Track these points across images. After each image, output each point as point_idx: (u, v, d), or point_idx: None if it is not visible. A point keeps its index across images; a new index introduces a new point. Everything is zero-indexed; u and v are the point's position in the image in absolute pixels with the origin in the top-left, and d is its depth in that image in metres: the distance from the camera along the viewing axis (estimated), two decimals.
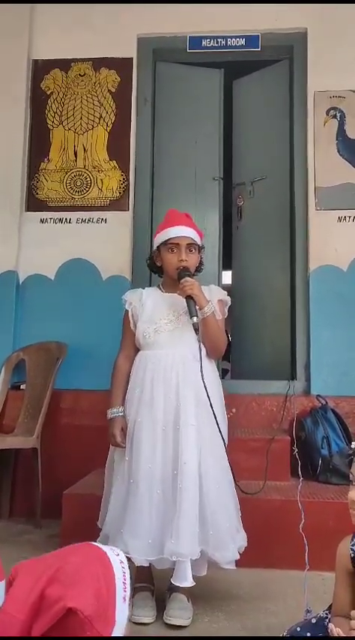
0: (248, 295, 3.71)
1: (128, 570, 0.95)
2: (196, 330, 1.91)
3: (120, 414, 2.00)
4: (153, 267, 2.15)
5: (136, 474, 1.88)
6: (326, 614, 1.43)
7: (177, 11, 3.44)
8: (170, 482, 1.86)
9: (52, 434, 3.01)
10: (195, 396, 1.91)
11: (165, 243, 2.04)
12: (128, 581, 0.93)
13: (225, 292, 2.14)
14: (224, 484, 1.94)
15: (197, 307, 1.94)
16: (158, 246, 2.08)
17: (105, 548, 0.96)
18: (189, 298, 1.94)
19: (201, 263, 2.14)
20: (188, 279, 1.96)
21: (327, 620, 1.41)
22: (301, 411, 3.02)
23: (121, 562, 0.94)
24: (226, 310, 2.13)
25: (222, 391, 2.09)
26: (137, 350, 2.07)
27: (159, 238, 2.08)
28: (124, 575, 0.92)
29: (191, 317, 1.92)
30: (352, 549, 1.38)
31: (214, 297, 2.06)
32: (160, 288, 2.13)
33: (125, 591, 0.91)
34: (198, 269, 2.13)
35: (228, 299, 2.13)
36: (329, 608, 1.44)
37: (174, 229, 2.04)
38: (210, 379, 1.96)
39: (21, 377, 3.21)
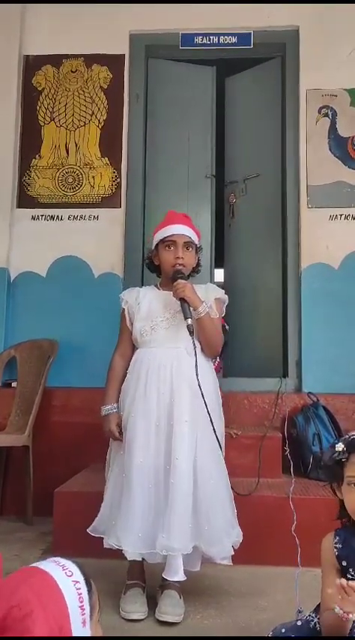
0: (240, 293, 3.71)
1: (85, 589, 0.88)
2: (190, 332, 1.92)
3: (114, 410, 2.02)
4: (151, 266, 2.15)
5: (129, 468, 1.89)
6: (313, 617, 1.44)
7: (170, 8, 3.42)
8: (162, 477, 1.87)
9: (43, 431, 3.00)
10: (189, 392, 1.91)
11: (162, 240, 2.05)
12: (86, 601, 0.87)
13: (223, 291, 2.13)
14: (219, 480, 1.95)
15: (191, 309, 1.95)
16: (156, 245, 2.09)
17: (55, 570, 0.89)
18: (183, 300, 1.95)
19: (198, 264, 2.14)
20: (180, 281, 1.97)
21: (313, 622, 1.42)
22: (292, 408, 3.03)
23: (75, 582, 0.87)
24: (224, 308, 2.13)
25: (219, 388, 2.10)
26: (133, 348, 2.08)
27: (157, 237, 2.08)
28: (80, 597, 0.86)
29: (185, 319, 1.93)
30: (336, 547, 1.39)
31: (211, 296, 2.06)
32: (157, 287, 2.13)
33: (83, 615, 0.85)
34: (196, 270, 2.13)
35: (226, 297, 2.13)
36: (315, 610, 1.45)
37: (171, 227, 2.04)
38: (206, 376, 1.97)
39: (12, 375, 3.20)
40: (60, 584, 0.86)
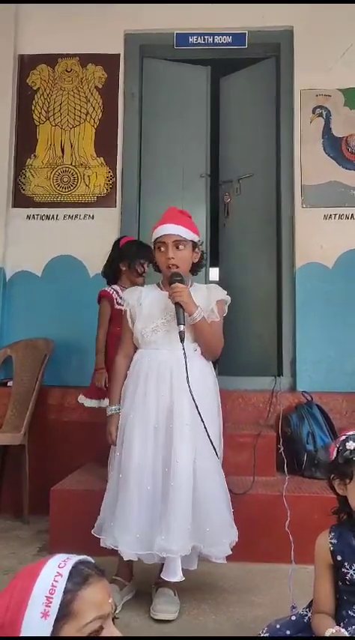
0: (235, 292, 3.65)
1: (63, 585, 0.85)
2: (181, 339, 1.89)
3: (118, 411, 2.01)
4: (155, 267, 2.12)
5: (126, 469, 1.89)
6: (306, 611, 1.46)
7: (164, 8, 3.43)
8: (160, 479, 1.87)
9: (39, 430, 3.01)
10: (189, 395, 1.89)
11: (154, 242, 2.03)
12: (58, 595, 0.84)
13: (225, 292, 2.10)
14: (217, 481, 1.96)
15: (186, 314, 1.92)
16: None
17: (56, 559, 0.88)
18: (178, 305, 1.92)
19: (201, 258, 2.09)
20: (178, 285, 1.93)
21: (306, 617, 1.44)
22: (287, 406, 3.05)
23: (58, 574, 0.85)
24: (226, 308, 2.11)
25: (218, 389, 2.08)
26: (136, 348, 2.06)
27: (151, 239, 2.06)
28: (52, 589, 0.84)
29: (177, 324, 1.91)
30: (331, 542, 1.42)
31: (213, 298, 2.04)
32: (159, 286, 2.10)
33: (47, 605, 0.82)
34: (200, 264, 2.09)
35: (228, 298, 2.10)
36: (309, 605, 1.47)
37: (161, 228, 2.01)
38: (206, 379, 1.99)
39: (8, 374, 3.21)
40: (43, 570, 0.86)
